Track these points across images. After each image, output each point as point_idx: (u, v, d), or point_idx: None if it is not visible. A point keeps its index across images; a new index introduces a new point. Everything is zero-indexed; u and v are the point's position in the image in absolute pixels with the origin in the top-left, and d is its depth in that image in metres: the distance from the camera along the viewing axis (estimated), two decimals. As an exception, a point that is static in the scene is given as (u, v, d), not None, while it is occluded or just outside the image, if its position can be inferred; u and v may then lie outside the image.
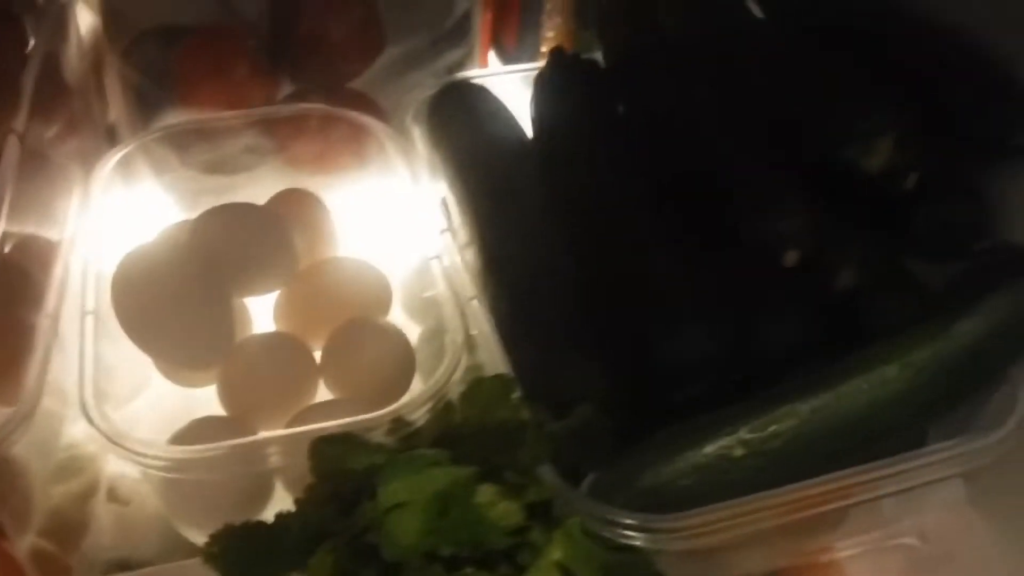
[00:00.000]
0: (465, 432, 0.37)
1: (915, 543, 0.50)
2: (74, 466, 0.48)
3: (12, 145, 0.41)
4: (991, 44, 0.43)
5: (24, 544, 0.40)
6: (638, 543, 0.36)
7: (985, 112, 0.41)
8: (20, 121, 0.42)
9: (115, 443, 0.38)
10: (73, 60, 0.54)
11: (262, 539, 0.36)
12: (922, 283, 0.45)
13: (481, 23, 0.63)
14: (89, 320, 0.43)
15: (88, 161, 0.52)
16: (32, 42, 0.47)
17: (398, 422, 0.39)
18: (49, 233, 0.47)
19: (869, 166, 0.40)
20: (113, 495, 0.52)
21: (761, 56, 0.44)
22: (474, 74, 0.61)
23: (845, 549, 0.49)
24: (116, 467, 0.52)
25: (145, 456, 0.38)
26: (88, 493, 0.50)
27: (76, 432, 0.46)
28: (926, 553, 0.50)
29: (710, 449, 0.38)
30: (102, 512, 0.50)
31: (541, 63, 0.57)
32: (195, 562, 0.40)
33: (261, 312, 0.51)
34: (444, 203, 0.52)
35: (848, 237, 0.42)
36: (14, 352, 0.40)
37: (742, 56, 0.44)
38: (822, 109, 0.40)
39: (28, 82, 0.44)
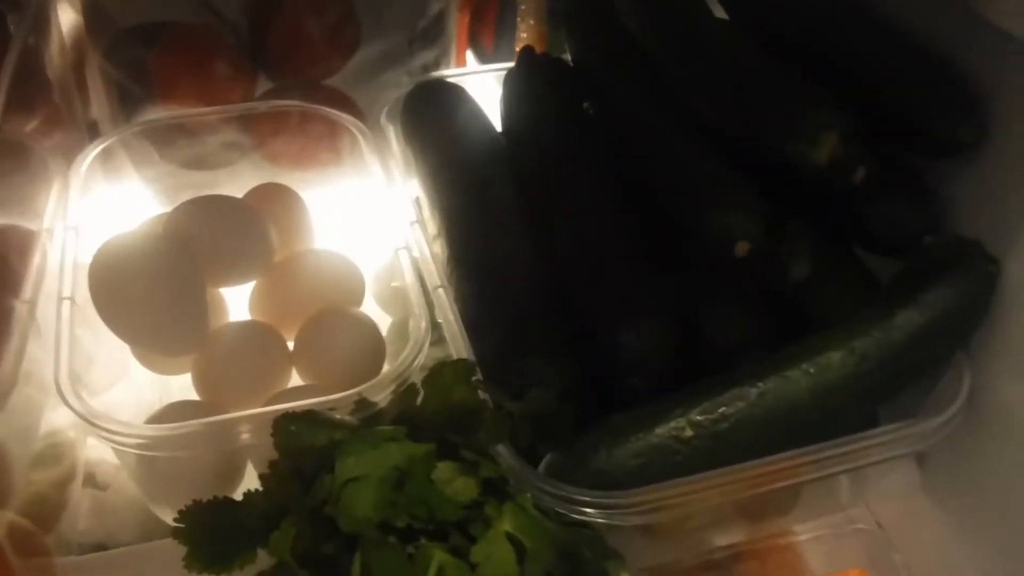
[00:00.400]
0: (425, 412, 0.39)
1: (871, 528, 0.52)
2: (54, 453, 0.49)
3: (-13, 137, 0.42)
4: (935, 43, 0.45)
5: (2, 522, 0.41)
6: (591, 519, 0.38)
7: (930, 108, 0.43)
8: (-2, 113, 0.43)
9: (90, 423, 0.39)
10: (55, 56, 0.55)
11: (229, 515, 0.38)
12: (872, 275, 0.47)
13: (457, 24, 0.65)
14: (66, 305, 0.44)
15: (69, 154, 0.53)
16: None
17: (362, 403, 0.40)
18: (29, 223, 0.49)
19: (816, 159, 0.41)
20: (91, 481, 0.53)
21: (715, 56, 0.46)
22: (449, 73, 0.63)
23: (803, 533, 0.51)
24: (95, 454, 0.53)
25: (120, 434, 0.39)
26: (67, 479, 0.51)
27: (56, 419, 0.48)
28: (882, 538, 0.51)
29: (661, 431, 0.39)
30: (80, 497, 0.52)
31: (516, 62, 0.59)
32: (167, 542, 0.41)
33: (238, 302, 0.53)
34: (416, 197, 0.54)
35: (798, 230, 0.44)
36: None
37: (697, 57, 0.46)
38: (771, 104, 0.42)
39: (5, 75, 0.45)
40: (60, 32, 0.56)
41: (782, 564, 0.49)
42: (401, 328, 0.51)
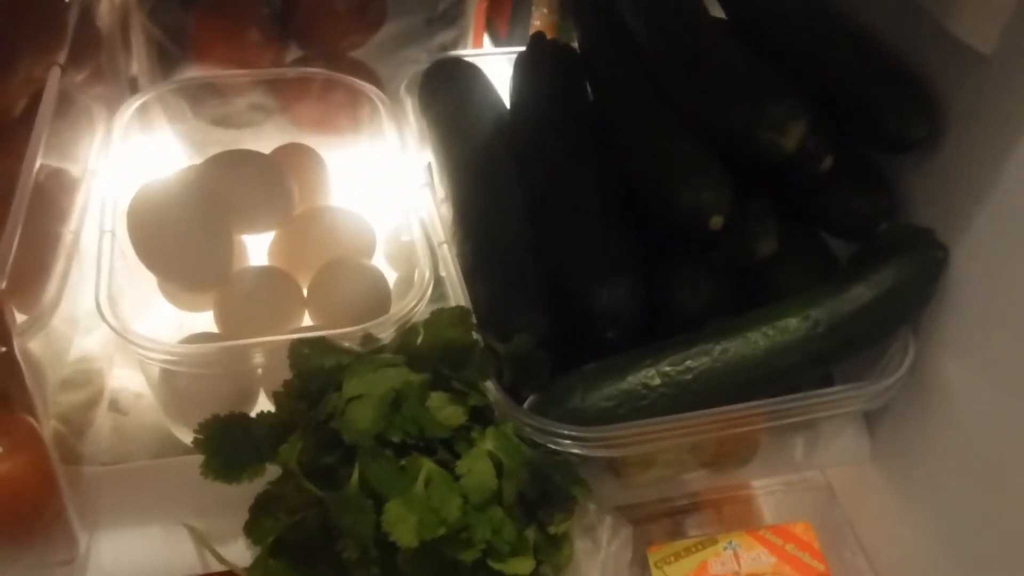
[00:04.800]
0: (423, 348, 0.44)
1: (822, 488, 0.57)
2: (81, 378, 0.54)
3: (54, 75, 0.47)
4: (899, 48, 0.49)
5: (47, 427, 0.45)
6: (564, 448, 0.42)
7: (886, 108, 0.47)
8: (62, 56, 0.47)
9: (125, 338, 0.44)
10: (105, 14, 0.60)
11: (242, 429, 0.43)
12: (832, 254, 0.51)
13: (476, 8, 0.69)
14: (107, 238, 0.49)
15: (111, 106, 0.57)
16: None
17: (368, 338, 0.45)
18: (74, 168, 0.53)
19: (785, 147, 0.46)
20: (114, 406, 0.58)
21: (699, 49, 0.50)
22: (465, 53, 0.67)
23: (758, 488, 0.56)
24: (117, 383, 0.58)
25: (151, 350, 0.44)
26: (92, 402, 0.56)
27: (85, 345, 0.52)
28: (830, 496, 0.56)
29: (632, 378, 0.44)
30: (103, 420, 0.56)
31: (528, 46, 0.63)
32: (181, 459, 0.46)
33: (258, 249, 0.58)
34: (428, 164, 0.59)
35: (766, 211, 0.48)
36: (42, 262, 0.46)
37: (682, 49, 0.51)
38: (745, 95, 0.46)
39: (71, 22, 0.49)
40: (112, -9, 0.61)
41: (736, 512, 0.54)
42: (407, 282, 0.56)
